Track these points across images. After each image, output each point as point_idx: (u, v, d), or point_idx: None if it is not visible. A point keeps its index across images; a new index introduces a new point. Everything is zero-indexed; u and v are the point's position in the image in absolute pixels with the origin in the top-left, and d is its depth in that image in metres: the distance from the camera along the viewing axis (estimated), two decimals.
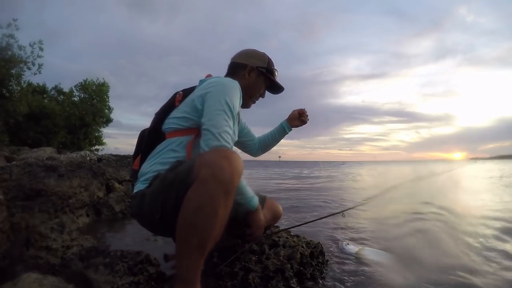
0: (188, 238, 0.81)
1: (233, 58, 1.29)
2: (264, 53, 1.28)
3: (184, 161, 0.96)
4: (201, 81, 1.15)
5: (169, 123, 1.09)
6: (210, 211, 0.79)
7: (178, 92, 1.16)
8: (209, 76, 1.19)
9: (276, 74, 1.29)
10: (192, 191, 0.81)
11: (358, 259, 1.55)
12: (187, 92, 1.14)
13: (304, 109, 1.56)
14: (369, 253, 1.57)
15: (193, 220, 0.80)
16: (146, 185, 1.03)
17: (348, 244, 1.67)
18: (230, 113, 1.00)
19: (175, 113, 1.10)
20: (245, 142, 1.52)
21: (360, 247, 1.64)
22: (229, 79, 1.09)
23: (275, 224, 1.73)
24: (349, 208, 1.42)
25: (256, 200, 1.16)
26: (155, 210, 0.94)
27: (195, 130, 1.06)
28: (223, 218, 0.83)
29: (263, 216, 1.21)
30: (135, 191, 1.07)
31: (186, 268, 0.84)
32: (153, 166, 1.06)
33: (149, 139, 1.13)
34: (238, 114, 1.31)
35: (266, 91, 1.34)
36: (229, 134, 0.98)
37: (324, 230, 2.20)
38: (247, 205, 1.14)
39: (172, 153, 1.05)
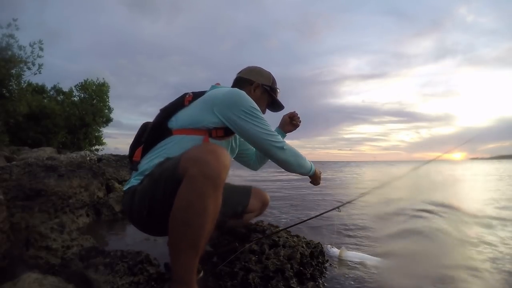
0: (181, 236, 0.82)
1: (240, 73, 1.34)
2: (269, 72, 1.36)
3: (172, 157, 0.96)
4: (213, 87, 1.20)
5: (178, 121, 1.10)
6: (200, 208, 0.80)
7: (187, 93, 1.17)
8: (218, 84, 1.23)
9: (278, 92, 1.37)
10: (182, 188, 0.81)
11: (342, 261, 1.56)
12: (197, 94, 1.15)
13: (294, 111, 1.56)
14: (351, 256, 1.61)
15: (184, 218, 0.80)
16: (139, 181, 1.03)
17: (332, 247, 1.70)
18: (257, 112, 1.08)
19: (185, 113, 1.11)
20: (242, 151, 1.48)
21: (341, 250, 1.67)
22: (240, 90, 1.13)
23: (275, 224, 1.73)
24: (344, 204, 1.43)
25: (313, 167, 1.31)
26: (143, 207, 0.95)
27: (204, 132, 1.08)
28: (213, 213, 0.84)
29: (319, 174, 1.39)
30: (128, 186, 1.06)
31: (181, 267, 0.84)
32: (153, 160, 1.05)
33: (153, 134, 1.12)
34: None
35: (267, 108, 1.39)
36: (272, 131, 1.11)
37: (324, 229, 2.20)
38: (310, 174, 1.32)
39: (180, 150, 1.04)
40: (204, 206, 0.80)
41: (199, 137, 1.07)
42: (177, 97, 1.20)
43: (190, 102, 1.12)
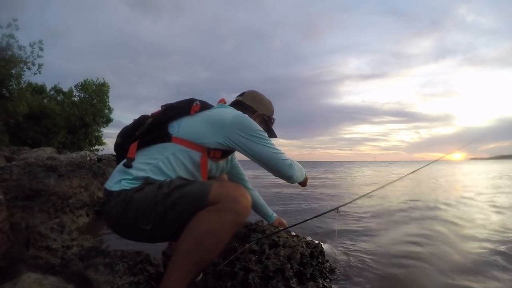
0: (190, 253, 0.88)
1: (242, 98, 1.38)
2: (270, 101, 1.43)
3: (191, 181, 1.00)
4: (220, 106, 1.23)
5: (180, 130, 1.09)
6: (220, 238, 0.90)
7: (195, 100, 1.17)
8: (223, 101, 1.27)
9: (274, 122, 1.45)
10: (209, 213, 0.89)
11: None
12: (204, 106, 1.16)
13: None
14: (327, 249, 1.70)
15: (202, 240, 0.88)
16: (134, 186, 0.99)
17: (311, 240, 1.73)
18: (264, 133, 1.13)
19: (189, 123, 1.10)
20: (232, 175, 1.52)
21: (322, 244, 1.70)
22: (246, 115, 1.17)
23: (275, 224, 1.73)
24: (343, 204, 1.43)
25: (305, 172, 1.34)
26: (145, 220, 0.94)
27: (203, 149, 1.09)
28: (223, 245, 0.94)
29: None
30: (117, 189, 0.99)
31: (176, 278, 0.88)
32: (148, 165, 1.03)
33: (151, 133, 1.10)
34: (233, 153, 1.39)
35: None
36: (281, 151, 1.15)
37: (323, 229, 2.20)
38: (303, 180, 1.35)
39: (178, 166, 1.05)
40: (223, 237, 0.91)
41: (197, 153, 1.08)
42: (183, 99, 1.19)
43: (196, 112, 1.12)
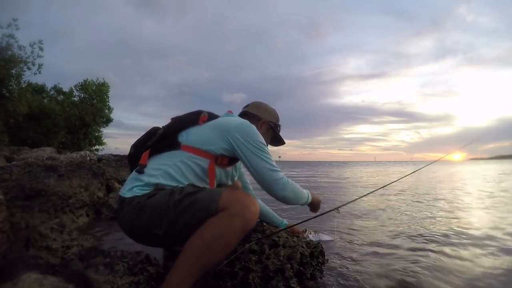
0: (198, 255, 0.91)
1: (247, 108, 1.43)
2: (274, 109, 1.47)
3: (202, 189, 1.03)
4: (227, 115, 1.28)
5: (188, 138, 1.13)
6: (228, 242, 0.94)
7: (203, 112, 1.22)
8: (230, 112, 1.32)
9: (281, 129, 1.47)
10: (219, 218, 0.93)
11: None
12: (211, 116, 1.21)
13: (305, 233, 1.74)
14: (313, 236, 1.74)
15: (211, 243, 0.91)
16: (146, 192, 1.02)
17: (310, 233, 1.76)
18: (265, 147, 1.14)
19: (197, 132, 1.15)
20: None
21: (320, 238, 1.76)
22: (252, 124, 1.19)
23: (274, 225, 1.73)
24: (343, 205, 1.44)
25: (309, 196, 1.32)
26: (157, 226, 0.98)
27: (211, 156, 1.12)
28: (231, 249, 0.99)
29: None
30: (130, 195, 1.04)
31: (181, 279, 0.90)
32: (159, 170, 1.07)
33: (162, 142, 1.15)
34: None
35: (269, 143, 1.47)
36: (276, 168, 1.14)
37: (323, 229, 2.20)
38: (307, 203, 1.33)
39: (187, 172, 1.08)
40: (231, 241, 0.94)
41: (205, 160, 1.11)
42: (192, 111, 1.25)
43: (204, 122, 1.17)
